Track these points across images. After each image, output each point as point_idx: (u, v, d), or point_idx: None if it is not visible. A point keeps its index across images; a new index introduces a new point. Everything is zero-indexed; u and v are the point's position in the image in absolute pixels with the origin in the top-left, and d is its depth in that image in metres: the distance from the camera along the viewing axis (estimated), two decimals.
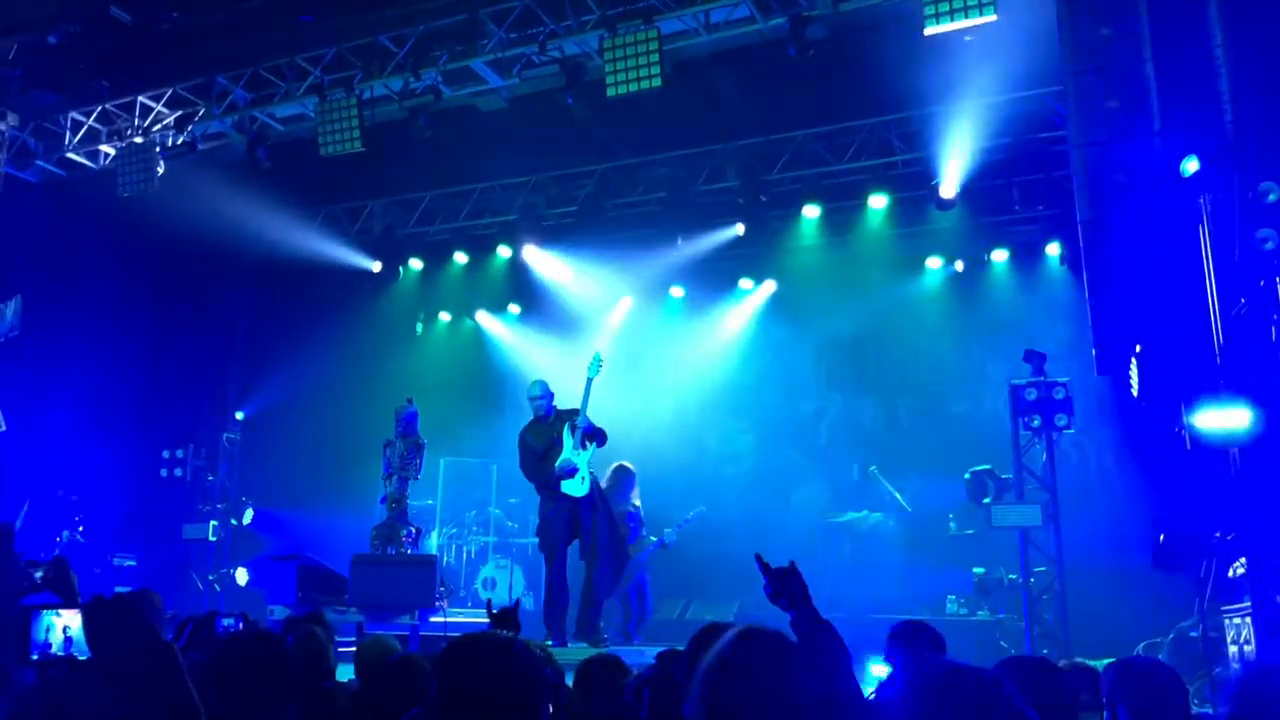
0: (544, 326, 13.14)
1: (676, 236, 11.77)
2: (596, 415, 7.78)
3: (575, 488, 7.61)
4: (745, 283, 12.64)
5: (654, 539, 9.13)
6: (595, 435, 7.72)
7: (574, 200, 12.02)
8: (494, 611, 4.01)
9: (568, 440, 7.67)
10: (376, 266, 12.76)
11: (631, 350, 12.14)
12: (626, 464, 8.93)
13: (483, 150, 11.10)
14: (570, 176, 12.01)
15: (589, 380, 7.67)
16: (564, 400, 8.07)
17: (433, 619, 8.15)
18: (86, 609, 2.30)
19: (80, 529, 10.72)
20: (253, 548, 12.15)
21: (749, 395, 12.51)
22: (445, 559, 11.76)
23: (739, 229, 11.39)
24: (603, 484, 8.15)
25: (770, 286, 12.62)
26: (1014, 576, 9.33)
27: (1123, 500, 10.24)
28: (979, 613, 9.89)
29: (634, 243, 12.01)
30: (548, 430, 7.82)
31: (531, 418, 7.96)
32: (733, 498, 11.33)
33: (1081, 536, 9.14)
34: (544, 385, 7.97)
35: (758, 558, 2.72)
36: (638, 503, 8.96)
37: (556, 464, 7.65)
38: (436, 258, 13.09)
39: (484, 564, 11.98)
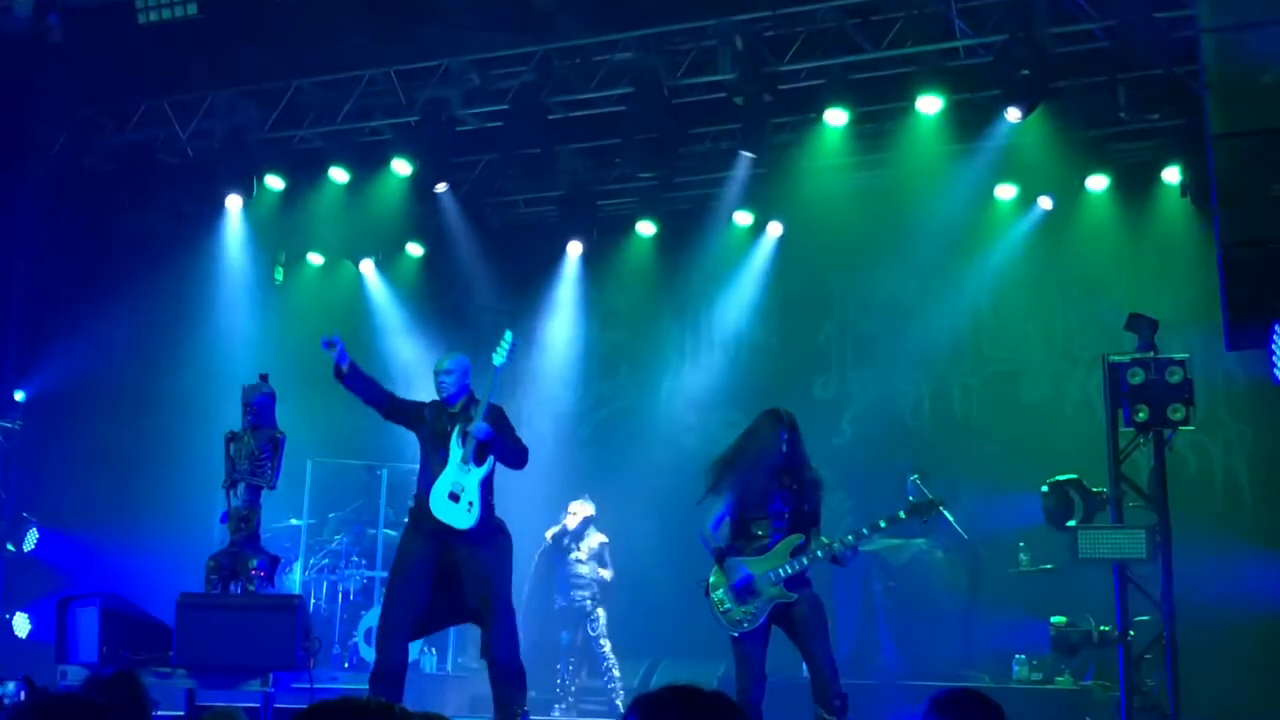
0: (457, 275, 13.05)
1: None
2: (526, 412, 7.64)
3: (457, 516, 7.50)
4: (741, 217, 12.68)
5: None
6: (496, 447, 7.58)
7: (501, 96, 11.91)
8: None
9: (454, 450, 7.58)
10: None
11: (580, 312, 12.10)
12: None
13: (371, 20, 10.95)
14: (497, 60, 11.88)
15: (496, 371, 7.65)
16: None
17: (295, 685, 8.09)
18: None
19: None
20: (38, 584, 12.02)
21: (743, 376, 12.54)
22: (313, 600, 11.79)
23: (737, 145, 11.35)
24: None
25: (776, 227, 12.61)
26: (1107, 628, 9.44)
27: (1258, 524, 10.43)
28: (1058, 678, 10.11)
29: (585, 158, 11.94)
30: (444, 422, 7.74)
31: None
32: None
33: (1199, 574, 9.31)
34: (459, 359, 7.95)
35: None
36: None
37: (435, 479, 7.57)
38: (304, 174, 12.94)
39: (368, 609, 11.96)
